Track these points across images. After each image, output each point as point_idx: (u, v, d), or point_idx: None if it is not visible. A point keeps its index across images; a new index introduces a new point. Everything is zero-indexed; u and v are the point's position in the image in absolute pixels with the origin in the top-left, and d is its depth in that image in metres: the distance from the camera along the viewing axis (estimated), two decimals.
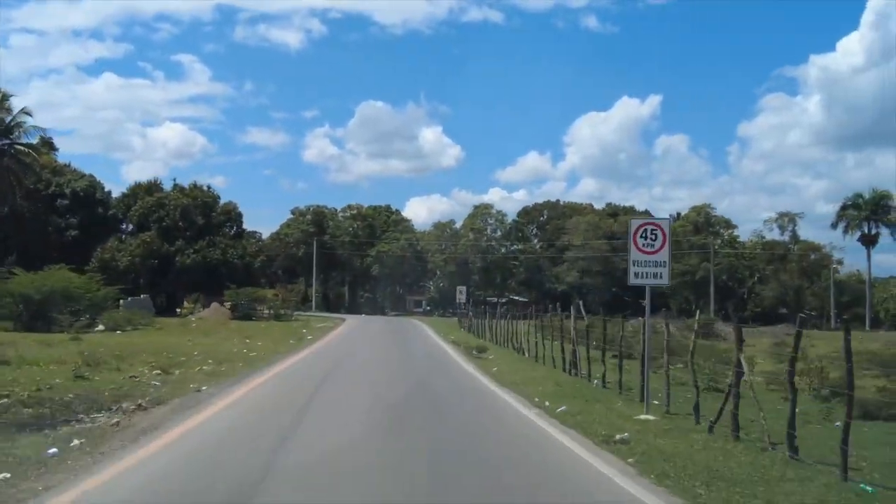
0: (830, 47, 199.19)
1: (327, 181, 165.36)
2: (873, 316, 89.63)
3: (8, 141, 58.81)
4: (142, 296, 64.45)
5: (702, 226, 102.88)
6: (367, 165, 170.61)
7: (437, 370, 21.96)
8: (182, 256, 70.99)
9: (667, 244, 13.05)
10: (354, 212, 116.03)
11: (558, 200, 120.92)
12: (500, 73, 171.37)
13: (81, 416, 12.39)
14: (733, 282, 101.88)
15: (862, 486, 8.15)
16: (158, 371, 18.68)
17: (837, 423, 10.38)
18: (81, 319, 42.08)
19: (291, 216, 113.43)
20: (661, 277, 13.05)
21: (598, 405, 14.01)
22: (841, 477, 8.32)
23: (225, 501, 7.21)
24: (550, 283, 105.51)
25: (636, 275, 13.08)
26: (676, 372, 22.96)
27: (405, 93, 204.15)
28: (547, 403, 14.29)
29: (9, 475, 7.86)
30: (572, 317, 20.69)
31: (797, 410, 14.24)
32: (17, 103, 59.36)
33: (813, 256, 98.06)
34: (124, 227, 77.37)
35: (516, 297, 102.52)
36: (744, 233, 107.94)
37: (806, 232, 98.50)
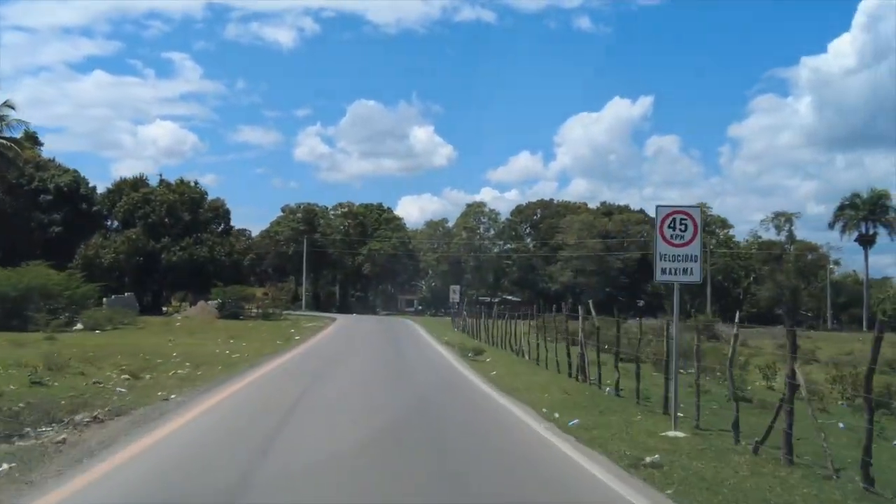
0: (822, 49, 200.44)
1: (319, 180, 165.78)
2: (870, 316, 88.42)
3: None
4: (126, 294, 62.82)
5: None
6: (359, 164, 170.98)
7: (431, 374, 20.38)
8: (168, 254, 69.17)
9: (698, 236, 11.47)
10: (346, 210, 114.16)
11: (552, 199, 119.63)
12: (493, 72, 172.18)
13: (27, 429, 10.78)
14: (729, 282, 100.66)
15: None
16: (127, 376, 17.08)
17: None
18: (60, 318, 40.56)
19: (282, 214, 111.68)
20: (691, 273, 11.46)
21: (615, 418, 12.45)
22: None
23: None
24: (544, 282, 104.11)
25: (663, 271, 11.48)
26: (689, 378, 21.51)
27: (397, 92, 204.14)
28: (556, 415, 12.73)
29: None
30: (580, 317, 19.01)
31: (840, 425, 12.93)
32: None
33: (810, 257, 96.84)
34: (109, 223, 75.44)
35: (509, 297, 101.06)
36: (736, 233, 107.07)
37: (797, 232, 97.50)
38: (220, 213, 76.58)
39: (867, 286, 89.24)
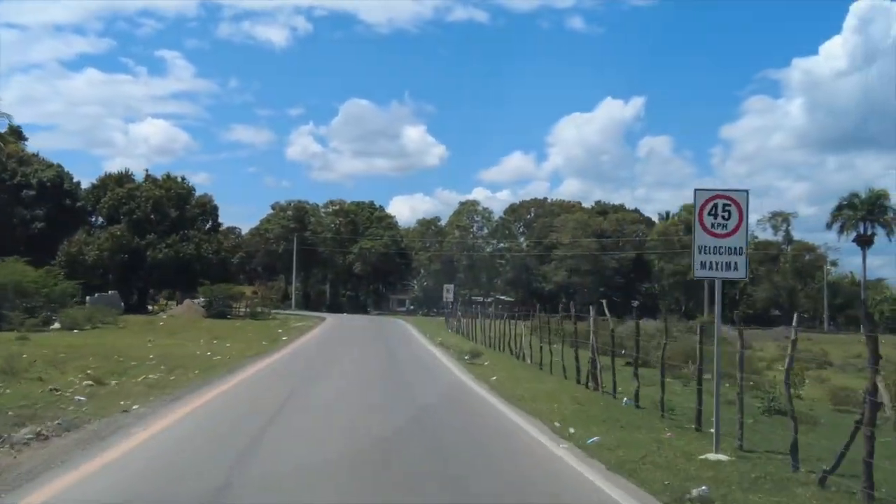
0: (813, 51, 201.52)
1: (311, 179, 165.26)
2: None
3: None
4: (110, 292, 61.02)
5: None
6: (351, 164, 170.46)
7: (428, 384, 18.65)
8: (154, 251, 67.26)
9: (743, 224, 9.85)
10: (337, 207, 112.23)
11: (546, 198, 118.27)
12: (485, 72, 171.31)
13: None
14: (725, 283, 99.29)
15: None
16: (90, 382, 15.40)
17: None
18: (36, 317, 38.84)
19: (272, 211, 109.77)
20: (735, 269, 9.84)
21: (641, 435, 10.86)
22: None
23: None
24: (538, 282, 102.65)
25: (703, 265, 9.88)
26: (709, 384, 19.98)
27: (390, 91, 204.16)
28: (572, 430, 11.15)
29: None
30: (591, 318, 17.28)
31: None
32: None
33: (807, 257, 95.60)
34: (93, 219, 73.53)
35: (502, 297, 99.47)
36: None
37: (791, 233, 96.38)
38: (208, 209, 74.67)
39: (865, 287, 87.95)
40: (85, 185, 74.28)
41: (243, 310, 66.35)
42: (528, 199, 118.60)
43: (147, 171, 75.16)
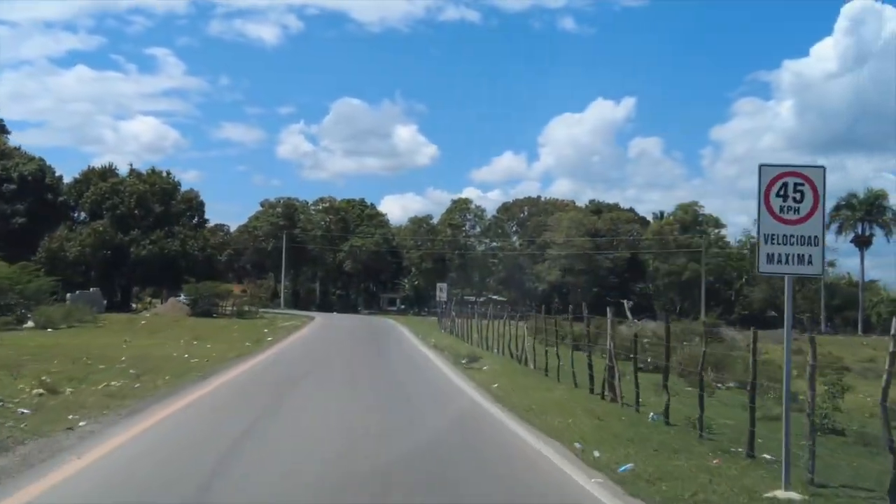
0: (804, 53, 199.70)
1: (301, 178, 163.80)
2: (865, 319, 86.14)
3: None
4: (91, 289, 59.19)
5: (689, 224, 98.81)
6: (342, 163, 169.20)
7: (424, 389, 16.86)
8: (137, 247, 65.31)
9: (819, 208, 8.05)
10: (327, 205, 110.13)
11: (539, 196, 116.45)
12: (476, 72, 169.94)
13: None
14: (720, 283, 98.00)
15: None
16: (43, 390, 13.58)
17: None
18: (9, 315, 37.05)
19: (261, 209, 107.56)
20: (810, 262, 8.05)
21: (681, 461, 9.12)
22: None
23: None
24: (531, 281, 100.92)
25: (770, 258, 8.07)
26: (735, 395, 18.29)
27: (381, 91, 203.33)
28: (597, 454, 9.41)
29: None
30: (609, 320, 15.44)
31: None
32: None
33: None
34: (76, 215, 71.50)
35: (495, 297, 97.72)
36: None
37: None
38: (194, 205, 72.69)
39: (863, 289, 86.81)
40: (68, 179, 72.30)
41: (230, 308, 64.53)
42: (521, 197, 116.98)
43: (131, 165, 73.31)
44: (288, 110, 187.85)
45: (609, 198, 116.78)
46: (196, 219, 73.20)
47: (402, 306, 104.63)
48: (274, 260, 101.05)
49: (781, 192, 8.03)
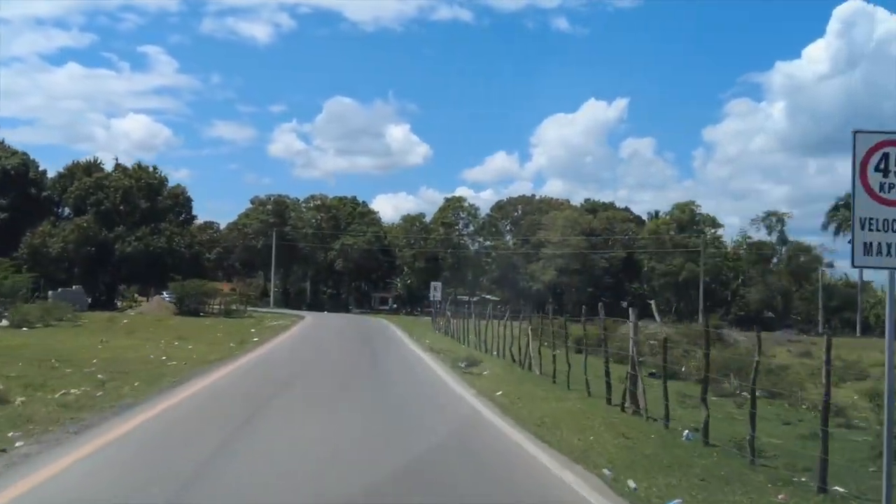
0: (796, 54, 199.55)
1: (293, 177, 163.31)
2: (863, 321, 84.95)
3: None
4: (74, 287, 57.43)
5: (686, 224, 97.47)
6: (334, 162, 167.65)
7: (422, 401, 15.27)
8: (122, 244, 63.54)
9: None
10: (318, 202, 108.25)
11: (534, 195, 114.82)
12: (470, 72, 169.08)
13: None
14: (716, 284, 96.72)
15: None
16: None
17: None
18: None
19: (251, 206, 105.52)
20: None
21: (736, 494, 7.52)
22: None
23: None
24: (525, 281, 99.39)
25: (867, 248, 6.43)
26: (766, 406, 16.74)
27: (374, 90, 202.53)
28: (632, 484, 7.84)
29: None
30: (631, 323, 13.74)
31: None
32: None
33: (802, 258, 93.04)
34: (60, 210, 69.63)
35: (488, 296, 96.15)
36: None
37: (767, 237, 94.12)
38: (181, 200, 70.92)
39: (861, 290, 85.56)
40: (48, 171, 70.51)
41: (217, 307, 62.82)
42: (515, 195, 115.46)
43: (116, 159, 71.35)
44: (280, 109, 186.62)
45: (601, 198, 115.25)
46: (183, 215, 71.45)
47: (394, 306, 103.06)
48: (264, 258, 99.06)
49: (882, 166, 6.46)
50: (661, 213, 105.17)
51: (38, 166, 69.37)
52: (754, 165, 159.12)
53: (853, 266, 6.75)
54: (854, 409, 14.83)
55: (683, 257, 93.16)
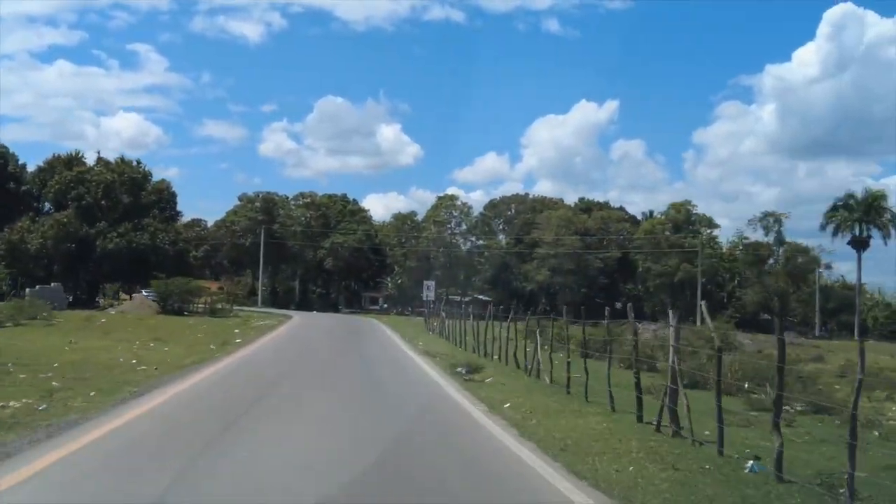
0: (786, 57, 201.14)
1: (284, 176, 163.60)
2: (861, 323, 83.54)
3: None
4: (53, 284, 55.24)
5: (682, 224, 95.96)
6: (325, 161, 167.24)
7: (422, 415, 13.27)
8: (104, 240, 61.30)
9: None
10: (308, 200, 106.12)
11: (527, 193, 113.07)
12: (461, 72, 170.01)
13: None
14: (712, 285, 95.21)
15: None
16: None
17: None
18: None
19: (239, 203, 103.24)
20: None
21: None
22: None
23: None
24: (518, 281, 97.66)
25: None
26: (815, 423, 14.86)
27: (365, 89, 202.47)
28: None
29: None
30: (672, 327, 11.63)
31: None
32: None
33: (800, 259, 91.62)
34: (39, 205, 67.37)
35: (480, 296, 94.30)
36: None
37: (764, 237, 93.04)
38: (165, 196, 68.68)
39: (859, 292, 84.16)
40: (27, 165, 68.29)
41: (202, 306, 60.71)
42: (508, 194, 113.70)
43: (98, 153, 69.05)
44: (271, 108, 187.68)
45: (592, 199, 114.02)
46: (168, 211, 69.19)
47: (385, 305, 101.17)
48: (252, 256, 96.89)
49: None
50: (655, 214, 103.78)
51: (17, 160, 67.19)
52: (745, 168, 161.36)
53: None
54: None
55: (679, 258, 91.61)
